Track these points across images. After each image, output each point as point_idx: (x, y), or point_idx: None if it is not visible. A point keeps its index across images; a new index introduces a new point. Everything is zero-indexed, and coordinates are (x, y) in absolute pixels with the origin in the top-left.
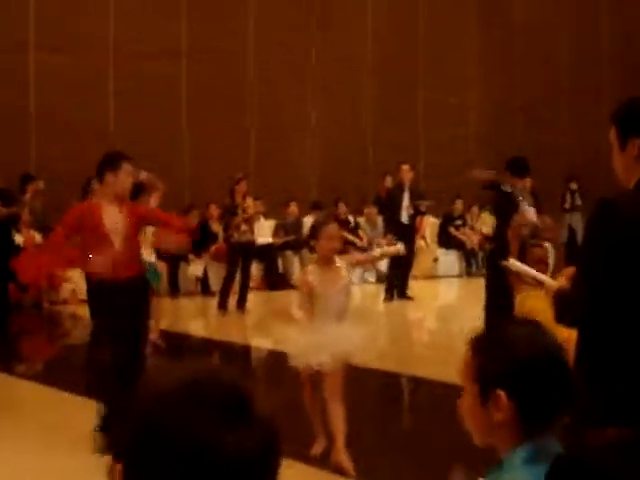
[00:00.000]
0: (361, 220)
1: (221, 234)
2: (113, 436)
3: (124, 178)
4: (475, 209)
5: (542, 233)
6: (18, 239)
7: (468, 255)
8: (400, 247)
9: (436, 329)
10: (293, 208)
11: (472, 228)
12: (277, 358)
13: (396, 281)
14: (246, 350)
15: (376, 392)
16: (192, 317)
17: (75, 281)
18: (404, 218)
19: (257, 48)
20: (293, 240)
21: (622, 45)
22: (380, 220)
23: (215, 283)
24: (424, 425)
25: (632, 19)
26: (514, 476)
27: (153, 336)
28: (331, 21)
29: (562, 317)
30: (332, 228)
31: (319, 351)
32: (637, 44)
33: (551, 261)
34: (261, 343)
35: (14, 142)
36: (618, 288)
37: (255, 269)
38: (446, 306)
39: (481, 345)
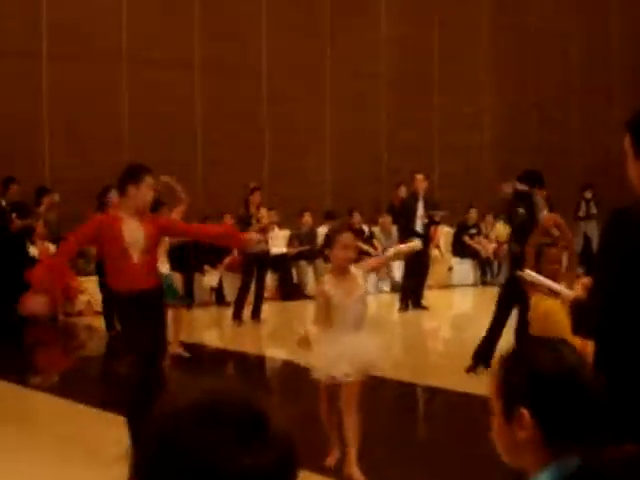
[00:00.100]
0: (375, 229)
1: None
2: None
3: (146, 191)
4: (490, 218)
5: (558, 239)
6: (33, 251)
7: (483, 264)
8: (416, 243)
9: (451, 338)
10: (307, 218)
11: (487, 237)
12: (292, 368)
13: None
14: (261, 360)
15: (391, 402)
16: (207, 327)
17: (90, 293)
18: (418, 227)
19: (270, 58)
20: (307, 250)
21: (633, 46)
22: (394, 229)
23: (230, 293)
24: (439, 435)
25: None
26: None
27: (172, 349)
28: (345, 31)
29: (579, 328)
30: (347, 237)
31: (341, 362)
32: None
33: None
34: (276, 353)
35: (28, 153)
36: (634, 296)
37: (269, 279)
38: (461, 315)
39: (506, 362)
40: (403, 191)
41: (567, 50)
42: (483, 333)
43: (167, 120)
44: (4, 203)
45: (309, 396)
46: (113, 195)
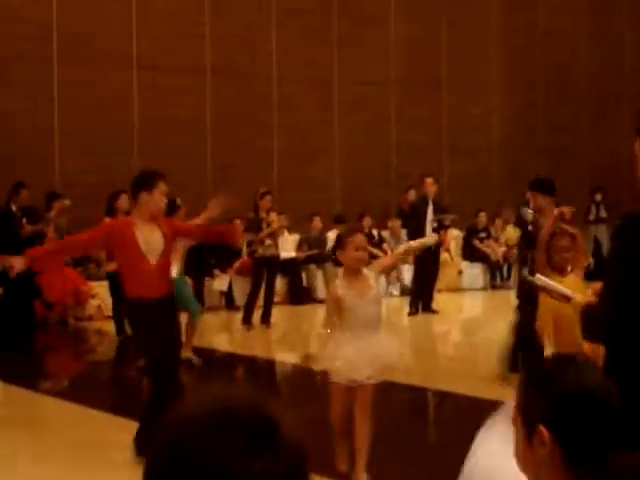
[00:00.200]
0: (385, 234)
1: (245, 249)
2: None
3: (159, 197)
4: (499, 221)
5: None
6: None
7: (493, 268)
8: (428, 238)
9: (461, 342)
10: (317, 222)
11: (496, 240)
12: (301, 373)
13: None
14: (270, 364)
15: (401, 406)
16: (217, 332)
17: (101, 297)
18: (428, 231)
19: (280, 64)
20: (317, 254)
21: None
22: (404, 233)
23: (240, 298)
24: (449, 439)
25: None
26: None
27: (184, 353)
28: (354, 37)
29: (589, 333)
30: (359, 238)
31: (362, 364)
32: None
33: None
34: (285, 357)
35: (39, 158)
36: None
37: (279, 283)
38: (471, 319)
39: (527, 380)
40: (412, 195)
41: (576, 51)
42: (493, 336)
43: (177, 126)
44: (14, 208)
45: (318, 400)
46: (123, 200)
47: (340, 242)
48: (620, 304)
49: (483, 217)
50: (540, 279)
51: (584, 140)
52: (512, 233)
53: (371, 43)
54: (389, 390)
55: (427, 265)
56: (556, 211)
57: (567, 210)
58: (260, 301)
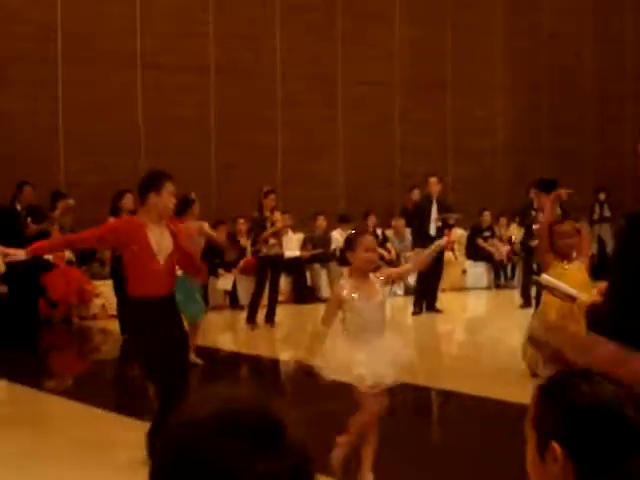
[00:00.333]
0: (389, 233)
1: (249, 248)
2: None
3: (167, 198)
4: (503, 220)
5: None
6: (47, 255)
7: (497, 267)
8: (435, 246)
9: (465, 341)
10: (321, 222)
11: (500, 239)
12: (305, 372)
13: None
14: (274, 364)
15: (405, 405)
16: (221, 331)
17: (105, 296)
18: (432, 230)
19: (284, 62)
20: (321, 253)
21: None
22: (408, 233)
23: (244, 297)
24: (453, 438)
25: None
26: None
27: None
28: (358, 35)
29: (595, 333)
30: (369, 239)
31: (386, 367)
32: None
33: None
34: (290, 357)
35: (43, 157)
36: None
37: (283, 282)
38: (475, 318)
39: (541, 394)
40: (416, 194)
41: (580, 53)
42: (497, 335)
43: (181, 124)
44: (19, 207)
45: (323, 399)
46: (128, 199)
47: (349, 243)
48: (624, 304)
49: (487, 216)
50: (546, 279)
51: (588, 142)
52: (516, 232)
53: (375, 40)
54: (393, 389)
55: (431, 264)
56: (553, 194)
57: (563, 192)
58: (264, 300)
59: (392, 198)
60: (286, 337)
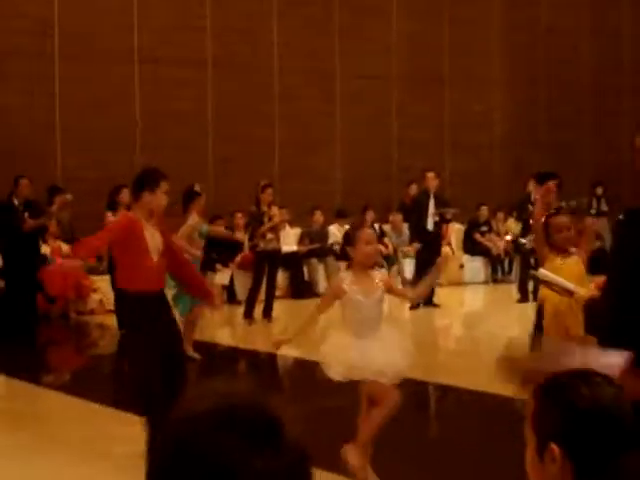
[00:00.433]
0: (386, 228)
1: (247, 243)
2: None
3: (161, 197)
4: (501, 215)
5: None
6: (45, 250)
7: (494, 261)
8: (434, 274)
9: (462, 336)
10: (318, 216)
11: (498, 234)
12: (303, 367)
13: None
14: (272, 359)
15: (402, 400)
16: (218, 326)
17: (103, 291)
18: (430, 225)
19: (281, 56)
20: (318, 248)
21: None
22: (405, 227)
23: (241, 292)
24: (451, 433)
25: None
26: None
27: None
28: (355, 29)
29: (593, 327)
30: (368, 233)
31: (396, 357)
32: None
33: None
34: (287, 352)
35: (40, 152)
36: None
37: (281, 277)
38: (472, 313)
39: (540, 395)
40: (414, 189)
41: (578, 47)
42: (495, 330)
43: (179, 118)
44: (17, 203)
45: (321, 395)
46: (125, 194)
47: (349, 238)
48: (622, 299)
49: (485, 211)
50: (543, 273)
51: (586, 136)
52: (514, 226)
53: (373, 34)
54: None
55: (428, 259)
56: (544, 187)
57: (551, 184)
58: (262, 295)
59: (389, 193)
60: (283, 332)
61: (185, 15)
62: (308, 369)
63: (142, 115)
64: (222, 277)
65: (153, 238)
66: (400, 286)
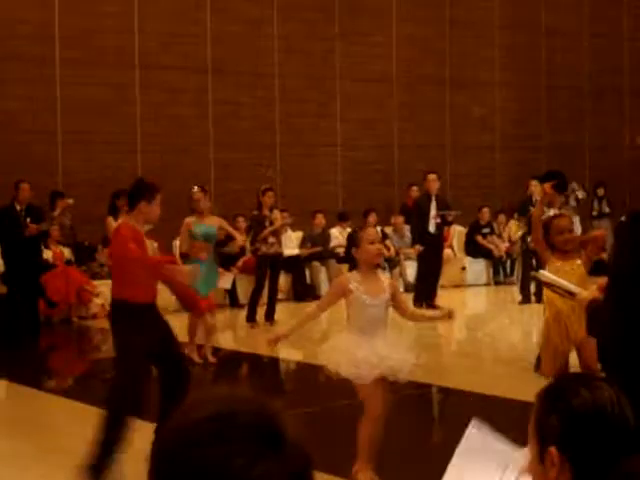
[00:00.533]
0: (388, 230)
1: (248, 246)
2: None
3: (156, 209)
4: (502, 217)
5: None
6: (46, 255)
7: (496, 263)
8: (443, 313)
9: (465, 338)
10: (320, 219)
11: (500, 236)
12: (306, 370)
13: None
14: (274, 362)
15: (404, 402)
16: (221, 329)
17: (105, 296)
18: (431, 228)
19: (281, 60)
20: (320, 251)
21: None
22: (407, 230)
23: (243, 295)
24: (453, 436)
25: None
26: None
27: (188, 351)
28: (356, 32)
29: (595, 328)
30: (372, 232)
31: (407, 357)
32: None
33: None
34: (290, 355)
35: (41, 157)
36: None
37: (283, 281)
38: (474, 315)
39: (541, 400)
40: (415, 191)
41: (579, 49)
42: (497, 332)
43: (179, 123)
44: (19, 208)
45: (323, 398)
46: (122, 200)
47: (354, 239)
48: (623, 301)
49: (486, 213)
50: (545, 275)
51: (586, 137)
52: (515, 228)
53: (373, 39)
54: (392, 386)
55: (430, 261)
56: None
57: (546, 186)
58: (264, 299)
59: (391, 195)
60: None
61: (185, 20)
62: (310, 372)
63: (142, 120)
64: (224, 281)
65: (151, 247)
66: (402, 289)
